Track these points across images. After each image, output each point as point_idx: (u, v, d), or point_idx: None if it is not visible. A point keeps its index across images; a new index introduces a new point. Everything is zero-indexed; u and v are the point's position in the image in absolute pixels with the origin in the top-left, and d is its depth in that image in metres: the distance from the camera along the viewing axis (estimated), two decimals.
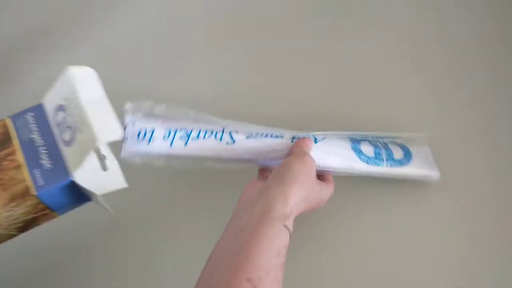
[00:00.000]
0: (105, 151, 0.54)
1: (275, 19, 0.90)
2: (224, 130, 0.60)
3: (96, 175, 0.51)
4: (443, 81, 0.81)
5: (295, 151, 0.59)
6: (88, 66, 0.79)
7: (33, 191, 0.46)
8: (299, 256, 0.63)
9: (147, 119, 0.57)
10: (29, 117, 0.52)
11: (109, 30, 0.88)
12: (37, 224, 0.51)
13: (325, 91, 0.80)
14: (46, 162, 0.48)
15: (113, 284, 0.65)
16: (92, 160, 0.50)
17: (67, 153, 0.49)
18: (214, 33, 0.88)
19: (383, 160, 0.65)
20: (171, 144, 0.57)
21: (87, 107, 0.47)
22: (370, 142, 0.66)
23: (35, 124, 0.51)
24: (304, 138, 0.61)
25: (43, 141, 0.50)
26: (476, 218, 0.68)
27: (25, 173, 0.48)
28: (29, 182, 0.47)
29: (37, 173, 0.48)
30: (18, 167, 0.48)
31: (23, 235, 0.51)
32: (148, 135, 0.56)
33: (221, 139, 0.59)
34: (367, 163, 0.64)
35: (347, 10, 0.90)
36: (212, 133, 0.59)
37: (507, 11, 0.88)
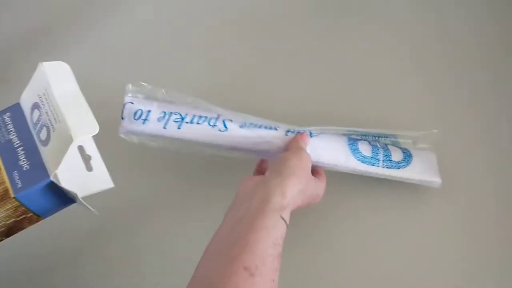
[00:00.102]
0: (91, 151, 0.53)
1: (275, 17, 0.89)
2: (219, 118, 0.61)
3: (80, 176, 0.50)
4: (443, 81, 0.80)
5: (292, 146, 0.60)
6: (88, 65, 0.80)
7: (12, 194, 0.45)
8: (296, 254, 0.63)
9: (145, 101, 0.61)
10: (6, 117, 0.50)
11: (109, 29, 0.87)
12: (21, 228, 0.50)
13: (325, 90, 0.79)
14: (24, 163, 0.47)
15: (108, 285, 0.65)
16: (73, 160, 0.49)
17: (45, 153, 0.47)
18: (214, 32, 0.87)
19: (379, 160, 0.64)
20: (165, 126, 0.60)
21: (61, 103, 0.45)
22: (369, 142, 0.66)
23: (12, 125, 0.49)
24: (301, 133, 0.62)
25: (20, 141, 0.48)
26: (476, 219, 0.68)
27: (3, 175, 0.46)
28: (7, 184, 0.46)
29: (15, 175, 0.46)
30: None
31: (10, 240, 0.50)
32: (144, 116, 0.59)
33: (214, 125, 0.61)
34: (362, 162, 0.64)
35: (347, 9, 0.89)
36: (206, 119, 0.61)
37: (507, 11, 0.87)
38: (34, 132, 0.48)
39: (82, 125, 0.45)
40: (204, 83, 0.79)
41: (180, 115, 0.60)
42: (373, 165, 0.64)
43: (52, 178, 0.46)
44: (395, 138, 0.68)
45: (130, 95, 0.61)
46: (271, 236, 0.48)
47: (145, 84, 0.62)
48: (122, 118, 0.60)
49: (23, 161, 0.47)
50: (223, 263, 0.45)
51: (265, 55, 0.84)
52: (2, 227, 0.47)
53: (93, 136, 0.48)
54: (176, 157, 0.72)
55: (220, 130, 0.61)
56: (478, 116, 0.76)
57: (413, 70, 0.81)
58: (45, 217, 0.50)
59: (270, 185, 0.53)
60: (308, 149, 0.61)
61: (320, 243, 0.67)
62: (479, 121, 0.75)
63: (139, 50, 0.85)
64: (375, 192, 0.69)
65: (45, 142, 0.47)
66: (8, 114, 0.50)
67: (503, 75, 0.80)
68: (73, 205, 0.51)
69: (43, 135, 0.47)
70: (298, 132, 0.63)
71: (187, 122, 0.60)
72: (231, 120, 0.61)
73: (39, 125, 0.48)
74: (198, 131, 0.61)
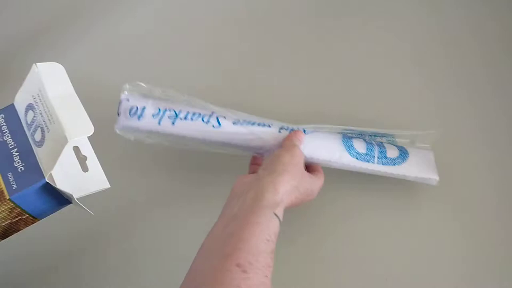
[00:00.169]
0: (86, 151, 0.52)
1: (273, 16, 0.88)
2: (212, 115, 0.62)
3: (75, 176, 0.50)
4: (443, 80, 0.80)
5: (285, 143, 0.61)
6: (86, 65, 0.80)
7: (7, 195, 0.45)
8: (291, 251, 0.64)
9: (140, 98, 0.62)
10: (0, 119, 0.50)
11: (107, 29, 0.86)
12: (17, 230, 0.49)
13: (324, 89, 0.79)
14: (19, 164, 0.46)
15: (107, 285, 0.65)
16: (69, 161, 0.49)
17: (40, 154, 0.47)
18: (213, 31, 0.86)
19: (374, 157, 0.64)
20: (159, 122, 0.61)
21: (56, 104, 0.45)
22: (364, 140, 0.66)
23: (6, 126, 0.49)
24: (295, 131, 0.63)
25: (15, 143, 0.48)
26: (473, 218, 0.68)
27: None
28: (2, 186, 0.45)
29: (10, 176, 0.46)
30: None
31: (6, 241, 0.50)
32: (139, 112, 0.61)
33: (208, 122, 0.62)
34: (357, 158, 0.64)
35: (347, 8, 0.88)
36: (200, 115, 0.62)
37: (508, 10, 0.87)
38: (28, 133, 0.48)
39: (77, 126, 0.45)
40: (202, 82, 0.79)
41: (174, 111, 0.62)
42: (368, 161, 0.64)
43: (47, 179, 0.45)
44: (392, 137, 0.68)
45: (126, 92, 0.62)
46: (264, 232, 0.48)
47: (141, 84, 0.63)
48: (118, 114, 0.62)
49: (18, 162, 0.46)
50: (216, 260, 0.46)
51: (264, 54, 0.83)
52: None
53: (89, 137, 0.48)
54: (172, 156, 0.72)
55: (213, 126, 0.62)
56: (477, 115, 0.76)
57: (413, 69, 0.81)
58: (41, 218, 0.50)
59: (263, 182, 0.53)
60: (302, 146, 0.62)
61: (315, 241, 0.67)
62: (477, 120, 0.75)
63: (138, 50, 0.84)
64: (371, 190, 0.69)
65: (40, 143, 0.46)
66: (2, 115, 0.50)
67: (502, 74, 0.80)
68: (69, 206, 0.50)
69: (38, 136, 0.47)
70: (292, 130, 0.63)
71: (181, 119, 0.61)
72: (224, 117, 0.62)
73: (33, 126, 0.47)
74: (191, 127, 0.62)
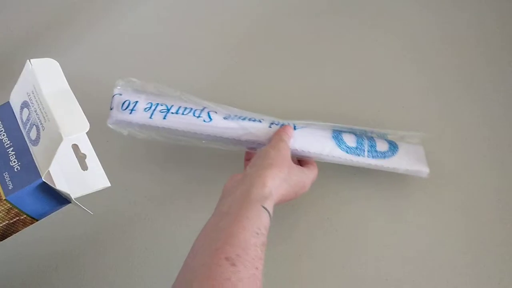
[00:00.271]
0: (85, 149, 0.51)
1: (273, 15, 0.87)
2: (204, 110, 0.64)
3: (74, 175, 0.49)
4: (443, 79, 0.79)
5: (273, 138, 0.62)
6: (84, 64, 0.79)
7: (3, 196, 0.43)
8: (282, 245, 0.65)
9: (132, 93, 0.64)
10: None
11: (106, 29, 0.86)
12: (16, 231, 0.48)
13: (323, 89, 0.79)
14: (15, 164, 0.45)
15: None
16: (67, 159, 0.47)
17: (36, 153, 0.45)
18: (210, 30, 0.86)
19: (364, 150, 0.65)
20: (151, 116, 0.62)
21: (50, 101, 0.44)
22: (355, 134, 0.67)
23: (2, 124, 0.48)
24: (284, 126, 0.64)
25: (10, 141, 0.47)
26: (465, 211, 0.68)
27: None
28: None
29: (6, 176, 0.44)
30: None
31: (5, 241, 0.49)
32: (131, 106, 0.62)
33: (199, 116, 0.63)
34: (347, 152, 0.65)
35: (346, 7, 0.87)
36: (191, 110, 0.63)
37: (508, 8, 0.86)
38: (24, 132, 0.47)
39: (72, 123, 0.43)
40: (199, 81, 0.79)
41: (166, 106, 0.63)
42: (358, 155, 0.65)
43: (44, 179, 0.44)
44: (384, 133, 0.69)
45: (119, 87, 0.64)
46: (253, 226, 0.49)
47: (134, 80, 0.65)
48: (111, 109, 0.63)
49: (14, 161, 0.45)
50: (207, 255, 0.46)
51: (262, 53, 0.83)
52: None
53: (87, 135, 0.47)
54: (171, 154, 0.72)
55: (204, 121, 0.63)
56: (476, 113, 0.76)
57: (411, 68, 0.80)
58: (40, 219, 0.48)
59: (251, 178, 0.55)
60: (292, 140, 0.63)
61: (306, 236, 0.67)
62: (474, 117, 0.75)
63: (137, 49, 0.84)
64: (362, 183, 0.70)
65: (35, 142, 0.45)
66: None
67: (503, 73, 0.79)
68: (68, 205, 0.49)
69: (33, 134, 0.45)
70: (283, 125, 0.64)
71: (172, 113, 0.63)
72: (215, 112, 0.64)
73: (28, 124, 0.46)
74: (183, 121, 0.63)
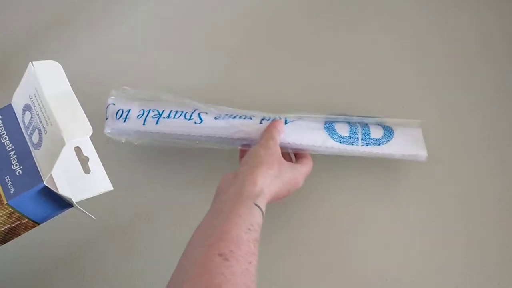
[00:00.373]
0: (88, 152, 0.51)
1: (273, 14, 0.87)
2: (194, 111, 0.65)
3: (77, 179, 0.48)
4: (443, 79, 0.79)
5: (263, 136, 0.63)
6: (87, 64, 0.79)
7: (5, 200, 0.43)
8: (282, 244, 0.66)
9: (126, 101, 0.67)
10: None
11: (108, 29, 0.85)
12: (17, 234, 0.48)
13: (322, 89, 0.78)
14: (17, 167, 0.45)
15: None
16: (70, 163, 0.47)
17: (38, 156, 0.45)
18: (209, 31, 0.85)
19: (358, 139, 0.65)
20: (144, 122, 0.65)
21: (52, 104, 0.43)
22: (348, 123, 0.67)
23: (3, 127, 0.47)
24: (275, 121, 0.64)
25: (12, 145, 0.46)
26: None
27: None
28: (0, 190, 0.44)
29: (8, 180, 0.44)
30: None
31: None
32: (124, 114, 0.66)
33: (190, 119, 0.65)
34: (340, 142, 0.65)
35: (346, 7, 0.87)
36: (182, 113, 0.65)
37: (509, 8, 0.85)
38: (26, 135, 0.46)
39: (75, 127, 0.43)
40: (200, 81, 0.79)
41: (158, 111, 0.65)
42: (352, 144, 0.65)
43: (45, 183, 0.44)
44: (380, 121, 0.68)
45: (113, 97, 0.67)
46: (245, 222, 0.50)
47: (127, 88, 0.68)
48: (106, 118, 0.66)
49: (16, 165, 0.45)
50: (200, 252, 0.48)
51: (262, 53, 0.83)
52: None
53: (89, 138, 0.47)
54: (170, 155, 0.72)
55: (195, 123, 0.65)
56: (472, 111, 0.75)
57: (410, 69, 0.80)
58: (42, 223, 0.48)
59: (242, 176, 0.56)
60: (284, 135, 0.64)
61: (306, 235, 0.67)
62: (473, 116, 0.75)
63: (136, 49, 0.84)
64: (362, 182, 0.70)
65: (38, 146, 0.45)
66: None
67: (504, 71, 0.79)
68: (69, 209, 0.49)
69: (35, 138, 0.45)
70: (274, 120, 0.65)
71: (164, 117, 0.65)
72: (206, 113, 0.65)
73: (31, 128, 0.46)
74: (174, 124, 0.65)
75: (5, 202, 0.43)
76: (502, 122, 0.74)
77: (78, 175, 0.49)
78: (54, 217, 0.49)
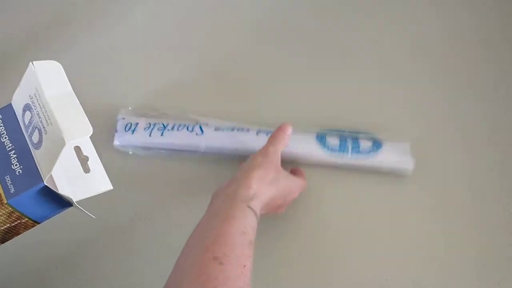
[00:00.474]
0: (88, 152, 0.50)
1: (272, 14, 0.86)
2: (196, 124, 0.71)
3: (76, 178, 0.48)
4: (444, 79, 0.79)
5: (265, 144, 0.64)
6: (87, 65, 0.79)
7: (5, 199, 0.43)
8: (282, 244, 0.67)
9: (134, 116, 0.73)
10: None
11: (108, 29, 0.85)
12: (17, 234, 0.48)
13: (322, 89, 0.79)
14: (17, 167, 0.45)
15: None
16: (69, 162, 0.47)
17: (38, 156, 0.45)
18: (214, 30, 0.86)
19: (348, 152, 0.69)
20: (150, 133, 0.71)
21: (53, 105, 0.43)
22: (339, 136, 0.71)
23: (3, 127, 0.47)
24: (282, 125, 0.65)
25: (12, 144, 0.46)
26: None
27: None
28: (0, 189, 0.44)
29: (8, 179, 0.44)
30: None
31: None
32: (132, 127, 0.72)
33: (192, 130, 0.71)
34: (331, 152, 0.69)
35: (346, 7, 0.86)
36: (185, 126, 0.71)
37: (509, 8, 0.85)
38: (26, 135, 0.46)
39: (75, 128, 0.43)
40: (199, 81, 0.80)
41: (163, 124, 0.72)
42: (342, 153, 0.69)
43: (45, 183, 0.44)
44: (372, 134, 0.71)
45: (122, 112, 0.73)
46: (239, 225, 0.51)
47: (135, 107, 0.75)
48: (116, 131, 0.72)
49: (16, 165, 0.45)
50: (195, 255, 0.49)
51: (260, 52, 0.83)
52: None
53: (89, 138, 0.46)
54: (171, 157, 0.73)
55: (197, 134, 0.71)
56: (473, 111, 0.76)
57: (410, 69, 0.80)
58: (42, 222, 0.48)
59: (237, 181, 0.58)
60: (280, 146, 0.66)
61: (306, 235, 0.68)
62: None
63: (136, 49, 0.84)
64: (361, 182, 0.71)
65: (38, 145, 0.45)
66: None
67: (499, 73, 0.79)
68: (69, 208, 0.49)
69: (35, 138, 0.45)
70: (269, 132, 0.69)
71: (168, 130, 0.71)
72: (207, 125, 0.71)
73: (31, 128, 0.46)
74: (178, 136, 0.71)
75: (5, 202, 0.43)
76: (502, 122, 0.74)
77: (78, 174, 0.48)
78: (54, 217, 0.49)
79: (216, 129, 0.71)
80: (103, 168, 0.50)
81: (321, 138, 0.70)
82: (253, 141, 0.69)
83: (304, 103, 0.77)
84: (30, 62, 0.45)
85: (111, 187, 0.50)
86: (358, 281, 0.64)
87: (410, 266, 0.65)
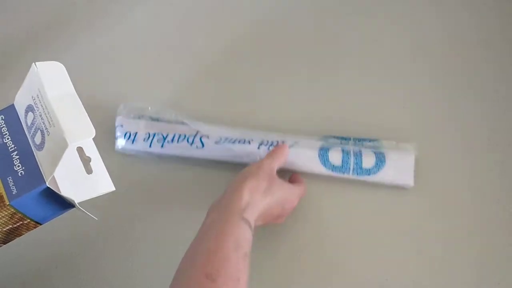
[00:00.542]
0: (90, 152, 0.50)
1: (272, 14, 0.86)
2: (196, 135, 0.70)
3: (79, 179, 0.48)
4: (444, 79, 0.78)
5: (264, 157, 0.63)
6: (87, 65, 0.79)
7: (7, 201, 0.43)
8: (282, 245, 0.67)
9: (132, 122, 0.72)
10: (0, 120, 0.48)
11: (108, 29, 0.85)
12: (20, 235, 0.48)
13: (322, 89, 0.78)
14: (19, 168, 0.45)
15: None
16: (72, 163, 0.47)
17: (40, 158, 0.45)
18: (213, 30, 0.85)
19: (350, 169, 0.68)
20: (150, 144, 0.70)
21: (55, 106, 0.43)
22: (342, 150, 0.69)
23: (6, 128, 0.47)
24: (280, 145, 0.67)
25: (15, 145, 0.46)
26: (469, 213, 0.69)
27: None
28: (2, 190, 0.44)
29: (10, 180, 0.44)
30: None
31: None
32: (132, 137, 0.71)
33: (192, 143, 0.70)
34: (332, 170, 0.68)
35: (345, 7, 0.86)
36: (185, 137, 0.70)
37: (510, 8, 0.84)
38: (29, 136, 0.46)
39: (78, 129, 0.43)
40: (199, 82, 0.79)
41: (162, 135, 0.70)
42: (343, 173, 0.68)
43: (48, 184, 0.44)
44: (378, 142, 0.71)
45: (120, 116, 0.72)
46: (233, 239, 0.51)
47: (134, 103, 0.73)
48: (116, 138, 0.71)
49: (18, 166, 0.45)
50: (188, 276, 0.49)
51: (260, 52, 0.82)
52: None
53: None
54: (172, 164, 0.73)
55: (197, 147, 0.69)
56: (473, 111, 0.75)
57: (410, 69, 0.79)
58: (44, 223, 0.48)
59: (230, 192, 0.57)
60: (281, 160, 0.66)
61: (306, 235, 0.68)
62: (473, 117, 0.75)
63: (136, 50, 0.84)
64: (361, 183, 0.69)
65: (40, 147, 0.45)
66: (1, 116, 0.48)
67: (499, 73, 0.78)
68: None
69: (38, 139, 0.45)
70: (272, 144, 0.68)
71: (168, 141, 0.70)
72: (207, 137, 0.70)
73: (33, 129, 0.46)
74: (178, 148, 0.70)
75: (8, 203, 0.43)
76: (502, 122, 0.73)
77: (80, 175, 0.48)
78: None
79: (217, 142, 0.69)
80: (105, 169, 0.50)
81: (323, 154, 0.68)
82: (255, 154, 0.68)
83: (304, 103, 0.77)
84: (33, 63, 0.45)
85: (114, 188, 0.50)
86: (358, 281, 0.64)
87: (410, 266, 0.65)
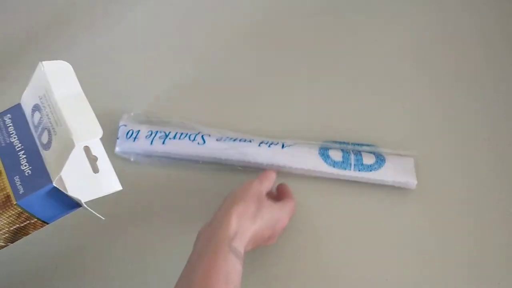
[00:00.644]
0: (97, 151, 0.50)
1: (272, 15, 0.87)
2: (198, 133, 0.71)
3: (86, 178, 0.48)
4: (443, 79, 0.79)
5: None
6: (87, 65, 0.79)
7: (14, 200, 0.43)
8: (282, 245, 0.65)
9: (136, 123, 0.73)
10: (7, 119, 0.48)
11: (108, 29, 0.85)
12: (27, 234, 0.48)
13: (322, 89, 0.79)
14: (26, 168, 0.44)
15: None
16: (78, 162, 0.47)
17: (47, 157, 0.45)
18: (213, 30, 0.86)
19: (351, 164, 0.68)
20: (151, 142, 0.71)
21: (62, 105, 0.43)
22: (342, 150, 0.70)
23: (13, 127, 0.47)
24: (266, 171, 0.65)
25: (22, 145, 0.46)
26: (469, 213, 0.69)
27: (4, 180, 0.44)
28: (9, 190, 0.43)
29: (17, 180, 0.44)
30: None
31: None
32: (134, 135, 0.71)
33: (194, 140, 0.70)
34: (333, 166, 0.68)
35: (344, 8, 0.86)
36: (187, 135, 0.71)
37: (509, 8, 0.85)
38: (35, 135, 0.46)
39: (84, 129, 0.42)
40: (199, 82, 0.80)
41: (165, 132, 0.71)
42: (345, 169, 0.68)
43: (55, 184, 0.43)
44: (375, 147, 0.71)
45: (124, 119, 0.73)
46: (222, 275, 0.49)
47: (138, 112, 0.74)
48: (118, 138, 0.71)
49: (25, 165, 0.45)
50: None
51: (260, 52, 0.83)
52: (6, 233, 0.46)
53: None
54: (172, 167, 0.72)
55: (198, 143, 0.70)
56: (473, 111, 0.76)
57: (410, 69, 0.80)
58: (51, 222, 0.48)
59: (217, 220, 0.55)
60: (280, 157, 0.69)
61: (306, 235, 0.67)
62: (473, 116, 0.75)
63: (136, 50, 0.84)
64: (360, 184, 0.69)
65: (47, 146, 0.45)
66: (8, 115, 0.48)
67: (499, 73, 0.79)
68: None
69: (45, 138, 0.45)
70: (272, 144, 0.69)
71: (170, 138, 0.71)
72: (209, 135, 0.71)
73: (40, 128, 0.46)
74: (180, 145, 0.70)
75: (15, 203, 0.43)
76: (502, 122, 0.74)
77: (87, 175, 0.48)
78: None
79: (218, 139, 0.70)
80: (112, 168, 0.50)
81: (323, 153, 0.69)
82: (255, 152, 0.69)
83: (304, 104, 0.77)
84: (40, 62, 0.45)
85: (121, 188, 0.49)
86: (358, 281, 0.64)
87: (410, 266, 0.65)
